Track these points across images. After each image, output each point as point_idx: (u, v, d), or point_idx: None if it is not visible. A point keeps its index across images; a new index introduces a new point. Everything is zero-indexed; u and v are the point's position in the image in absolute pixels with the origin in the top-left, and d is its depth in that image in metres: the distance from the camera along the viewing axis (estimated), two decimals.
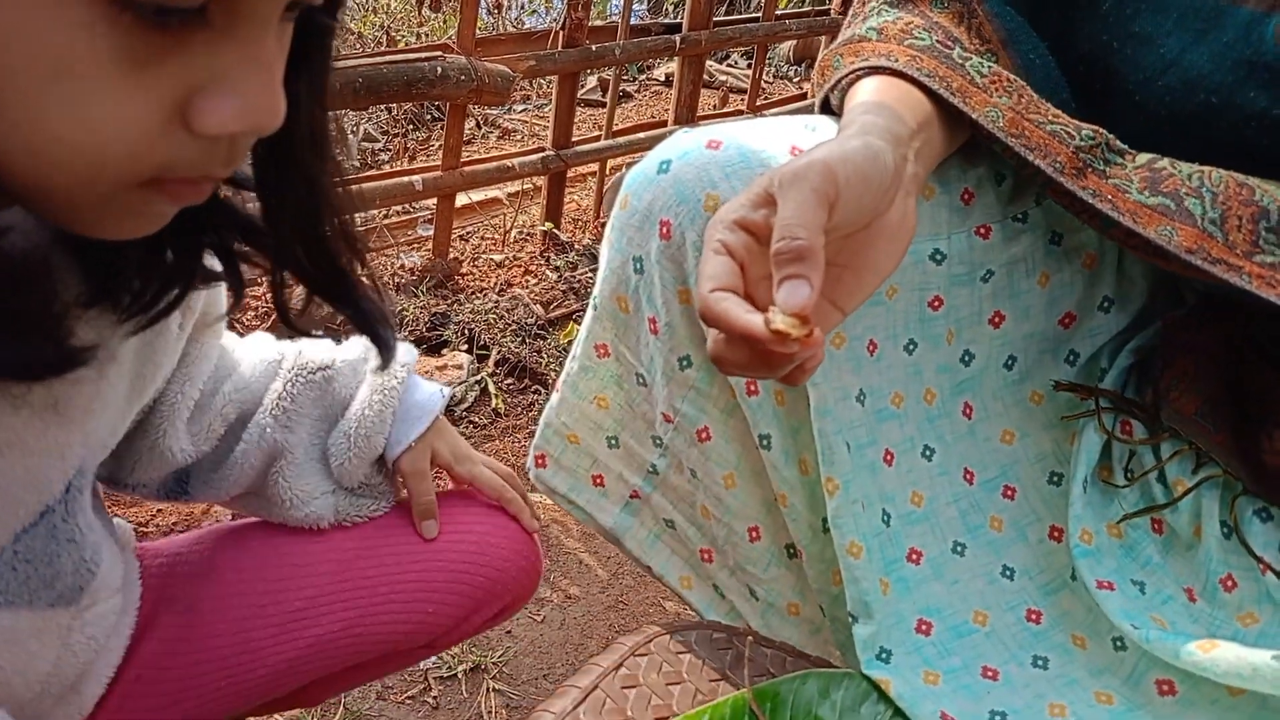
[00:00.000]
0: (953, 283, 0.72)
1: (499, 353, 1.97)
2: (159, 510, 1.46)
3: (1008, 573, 0.75)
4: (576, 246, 2.42)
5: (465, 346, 1.97)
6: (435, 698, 1.26)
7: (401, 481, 0.77)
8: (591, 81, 3.87)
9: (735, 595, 0.82)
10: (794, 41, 4.39)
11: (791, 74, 4.61)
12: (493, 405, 1.86)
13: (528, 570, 0.80)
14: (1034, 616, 0.73)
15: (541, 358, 1.99)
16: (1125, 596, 0.68)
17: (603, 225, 2.49)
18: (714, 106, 3.66)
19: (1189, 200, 0.59)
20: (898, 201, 0.57)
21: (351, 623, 0.72)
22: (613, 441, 0.79)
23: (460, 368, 1.88)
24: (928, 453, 0.74)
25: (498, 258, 2.36)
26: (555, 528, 1.60)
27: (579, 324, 0.79)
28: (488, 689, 1.28)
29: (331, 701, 1.20)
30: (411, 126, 3.36)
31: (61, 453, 0.51)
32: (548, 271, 2.31)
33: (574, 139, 2.40)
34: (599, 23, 2.58)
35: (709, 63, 3.90)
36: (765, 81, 4.09)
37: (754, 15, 2.95)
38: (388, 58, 1.87)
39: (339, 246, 0.51)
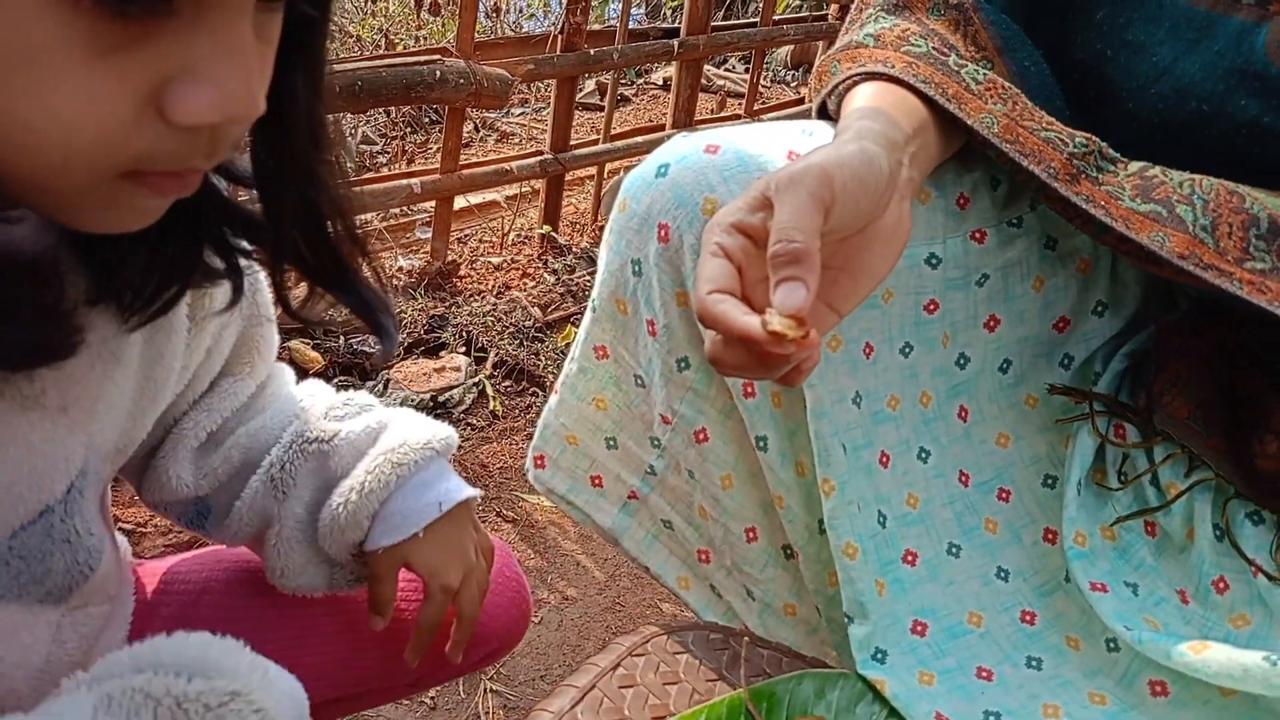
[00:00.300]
0: (948, 287, 0.73)
1: (497, 355, 1.98)
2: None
3: (1002, 574, 0.75)
4: (574, 249, 2.42)
5: (463, 349, 1.98)
6: (433, 698, 1.26)
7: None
8: (589, 85, 3.88)
9: (732, 595, 0.82)
10: (791, 46, 4.40)
11: (789, 79, 4.62)
12: (491, 407, 1.87)
13: (519, 617, 0.80)
14: (1028, 618, 0.74)
15: (539, 360, 2.00)
16: (1118, 598, 0.69)
17: (600, 228, 2.50)
18: (711, 111, 3.67)
19: (1180, 207, 0.60)
20: (893, 205, 0.57)
21: (339, 658, 0.72)
22: (611, 442, 0.79)
23: (458, 370, 1.88)
24: (923, 455, 0.75)
25: (496, 260, 2.37)
26: (552, 529, 1.61)
27: (577, 326, 0.79)
28: (485, 689, 1.29)
29: None
30: (410, 130, 3.36)
31: (65, 454, 0.51)
32: (545, 274, 2.32)
33: (572, 142, 2.40)
34: (597, 27, 2.59)
35: (707, 67, 3.91)
36: (763, 86, 4.10)
37: (751, 20, 2.96)
38: (386, 61, 1.87)
39: (339, 238, 0.51)
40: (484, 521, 1.60)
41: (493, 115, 3.53)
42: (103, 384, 0.53)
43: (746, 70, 3.67)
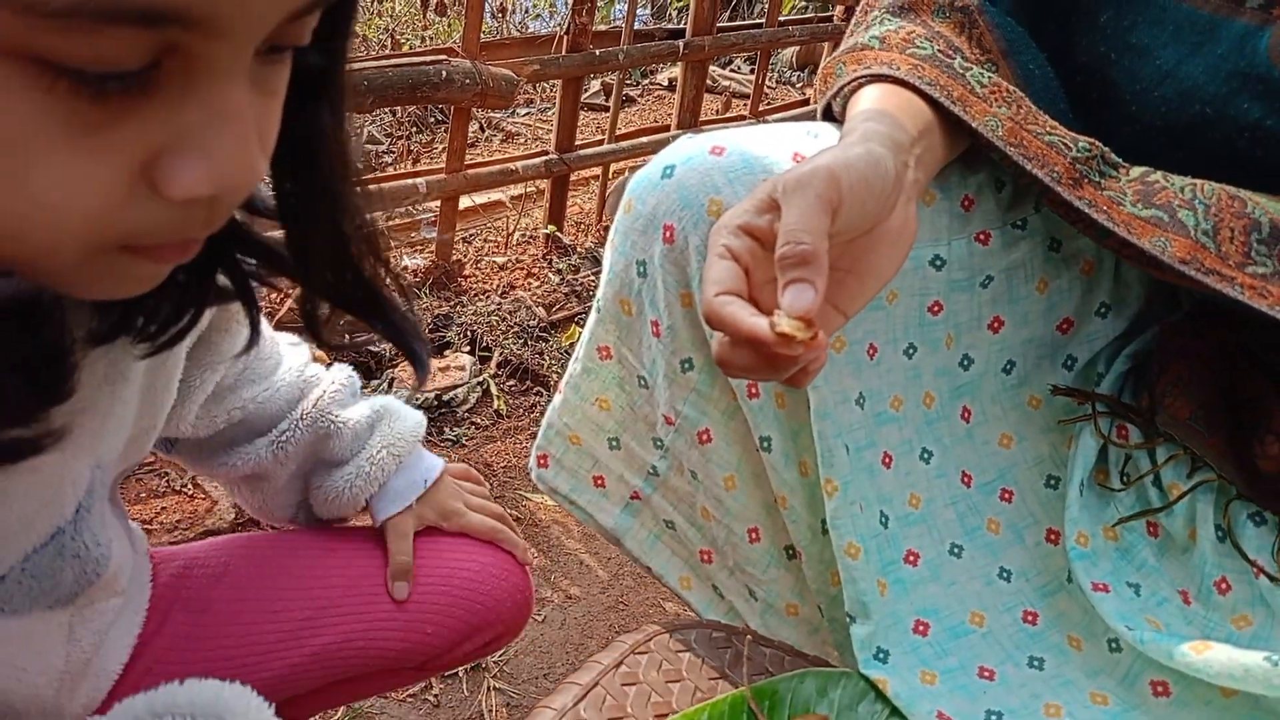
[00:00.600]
0: (952, 288, 0.73)
1: (501, 354, 1.98)
2: (163, 508, 1.47)
3: (1004, 574, 0.76)
4: (579, 249, 2.43)
5: (468, 348, 1.98)
6: (436, 695, 1.27)
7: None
8: (595, 86, 3.88)
9: (734, 595, 0.83)
10: (797, 47, 4.40)
11: (794, 80, 4.62)
12: (495, 406, 1.87)
13: (521, 603, 0.82)
14: (1030, 618, 0.74)
15: (543, 360, 2.00)
16: (1120, 598, 0.69)
17: (605, 228, 2.50)
18: (717, 111, 3.67)
19: (1182, 212, 0.60)
20: (899, 207, 0.58)
21: (354, 635, 0.74)
22: (614, 443, 0.80)
23: (463, 369, 1.89)
24: (926, 455, 0.75)
25: (500, 260, 2.37)
26: (556, 528, 1.61)
27: (581, 326, 0.80)
28: (488, 687, 1.29)
29: None
30: (415, 129, 3.37)
31: (74, 477, 0.51)
32: (550, 274, 2.32)
33: (577, 143, 2.41)
34: (603, 27, 2.59)
35: (712, 68, 3.91)
36: (768, 87, 4.10)
37: (757, 21, 2.96)
38: (393, 61, 1.88)
39: (367, 262, 0.50)
40: None
41: (498, 115, 3.54)
42: (111, 405, 0.53)
43: (752, 71, 3.67)
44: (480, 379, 1.91)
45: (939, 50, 0.68)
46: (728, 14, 4.64)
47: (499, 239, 2.49)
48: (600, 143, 2.53)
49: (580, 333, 0.78)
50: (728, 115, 3.52)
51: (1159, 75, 0.67)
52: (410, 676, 0.82)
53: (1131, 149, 0.65)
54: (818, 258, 0.49)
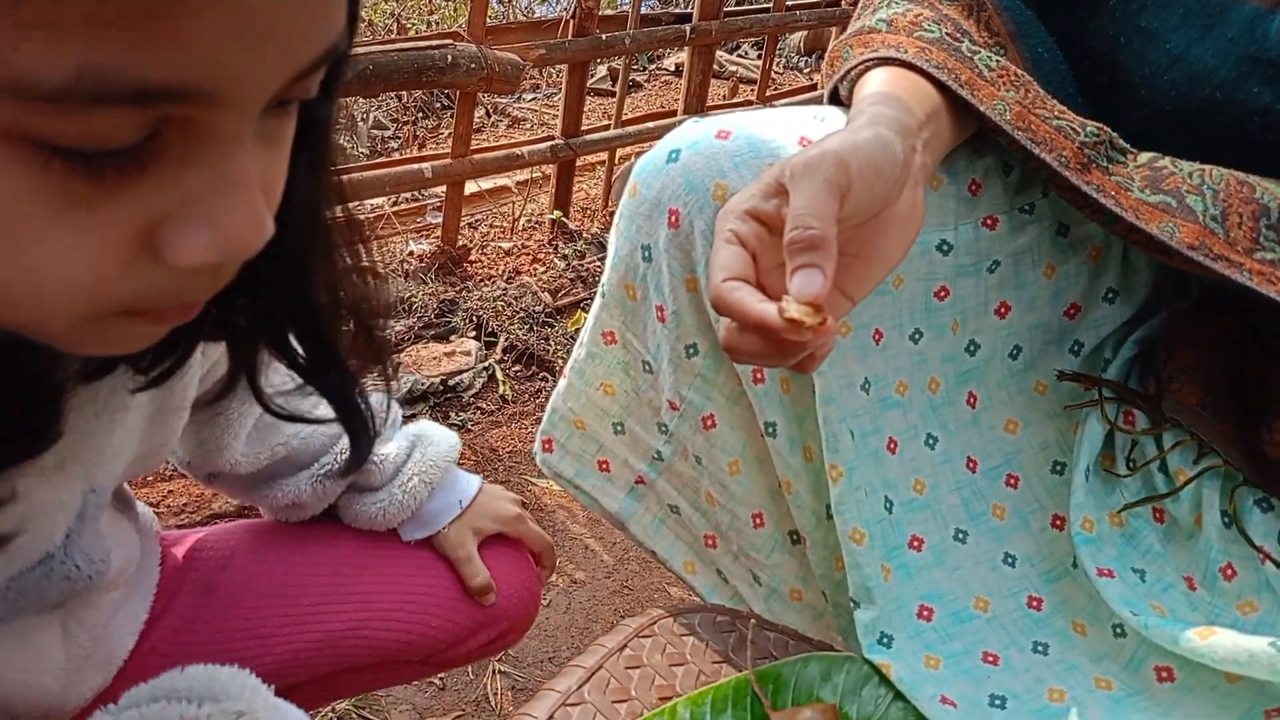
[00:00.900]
0: (959, 273, 0.72)
1: (507, 340, 1.98)
2: (170, 491, 1.48)
3: (1009, 560, 0.75)
4: (585, 235, 2.43)
5: (473, 333, 1.98)
6: (442, 679, 1.27)
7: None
8: (601, 71, 3.87)
9: (738, 580, 0.83)
10: (804, 32, 4.38)
11: (802, 65, 4.60)
12: (500, 392, 1.87)
13: (529, 602, 0.83)
14: (1035, 603, 0.74)
15: (549, 345, 2.00)
16: (1125, 584, 0.69)
17: (611, 214, 2.50)
18: (724, 97, 3.66)
19: (1190, 197, 0.60)
20: (907, 191, 0.57)
21: (360, 623, 0.75)
22: (619, 428, 0.80)
23: (468, 354, 1.89)
24: (931, 441, 0.75)
25: (506, 245, 2.37)
26: (561, 513, 1.62)
27: (586, 312, 0.80)
28: (494, 671, 1.30)
29: None
30: (421, 114, 3.36)
31: (63, 505, 0.50)
32: (556, 259, 2.32)
33: (583, 128, 2.40)
34: (609, 12, 2.58)
35: (719, 53, 3.89)
36: (775, 72, 4.09)
37: (764, 6, 2.94)
38: (398, 45, 1.87)
39: (347, 339, 0.48)
40: None
41: (504, 100, 3.53)
42: (110, 433, 0.51)
43: (759, 56, 3.65)
44: (486, 364, 1.91)
45: (947, 33, 0.67)
46: None
47: (505, 224, 2.49)
48: (606, 128, 2.53)
49: (585, 318, 0.78)
50: (735, 100, 3.51)
51: (1168, 59, 0.66)
52: (417, 671, 0.82)
53: (1140, 133, 0.65)
54: (826, 243, 0.49)
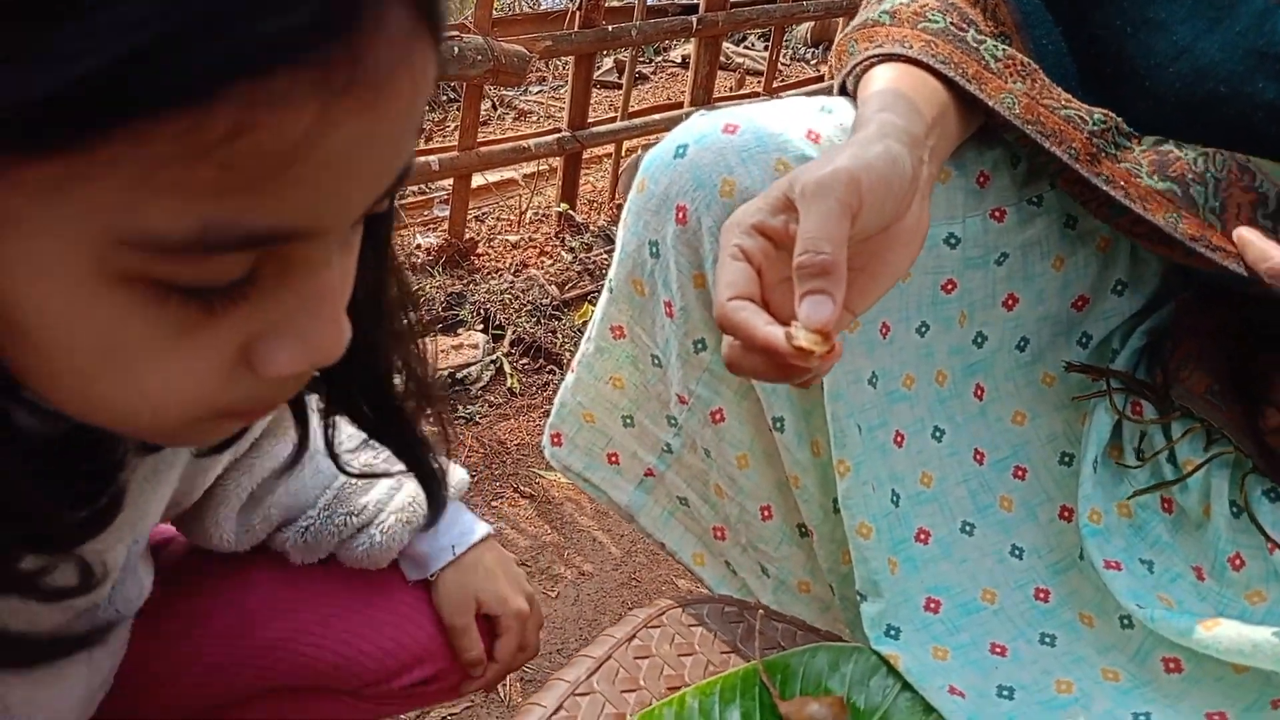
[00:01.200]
0: (966, 266, 0.73)
1: (514, 333, 1.99)
2: None
3: (1017, 552, 0.76)
4: (592, 228, 2.43)
5: (481, 326, 1.99)
6: None
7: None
8: (608, 63, 3.86)
9: (747, 572, 0.83)
10: (811, 23, 4.36)
11: (809, 56, 4.58)
12: (508, 385, 1.88)
13: (456, 669, 0.77)
14: (1042, 595, 0.74)
15: (557, 338, 2.01)
16: (1132, 576, 0.69)
17: (618, 207, 2.50)
18: (730, 88, 3.65)
19: (1194, 188, 0.60)
20: (914, 206, 0.57)
21: (295, 634, 0.71)
22: (628, 421, 0.80)
23: (476, 347, 1.89)
24: (938, 434, 0.75)
25: (513, 238, 2.38)
26: (569, 505, 1.62)
27: (594, 305, 0.80)
28: None
29: None
30: (428, 107, 3.36)
31: (112, 562, 0.52)
32: (563, 252, 2.32)
33: (590, 120, 2.40)
34: (615, 3, 2.58)
35: (726, 44, 3.88)
36: (782, 63, 4.07)
37: None
38: None
39: (403, 395, 0.50)
40: (501, 498, 1.61)
41: (510, 92, 3.52)
42: (154, 494, 0.53)
43: (766, 48, 3.64)
44: (493, 357, 1.92)
45: (952, 23, 0.67)
46: None
47: (512, 217, 2.49)
48: (613, 120, 2.52)
49: (593, 311, 0.78)
50: (741, 92, 3.50)
51: (1175, 51, 0.66)
52: (352, 707, 0.76)
53: (1145, 124, 0.65)
54: (837, 268, 0.49)
